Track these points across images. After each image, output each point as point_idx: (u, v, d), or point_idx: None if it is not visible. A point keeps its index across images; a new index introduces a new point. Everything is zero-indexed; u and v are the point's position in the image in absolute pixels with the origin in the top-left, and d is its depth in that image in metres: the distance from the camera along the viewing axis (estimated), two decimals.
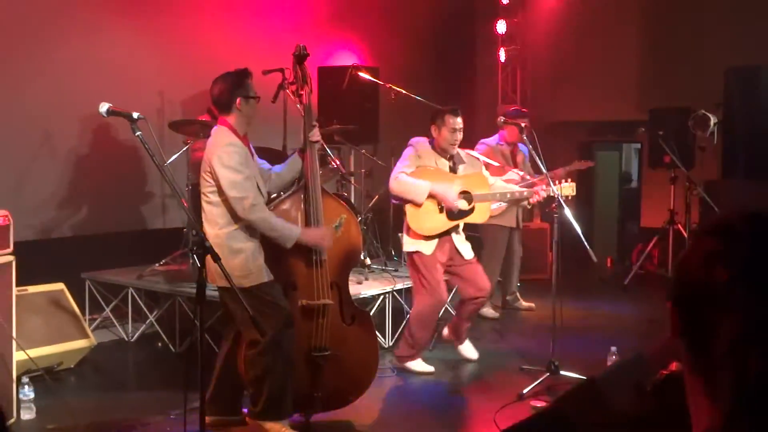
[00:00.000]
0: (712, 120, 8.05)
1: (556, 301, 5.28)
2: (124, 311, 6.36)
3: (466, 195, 5.41)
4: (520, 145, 6.87)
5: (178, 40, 7.26)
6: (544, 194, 5.50)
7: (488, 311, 7.11)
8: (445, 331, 6.01)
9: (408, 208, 5.36)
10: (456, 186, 5.37)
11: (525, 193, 5.61)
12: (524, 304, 7.50)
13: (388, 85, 6.94)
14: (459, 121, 5.39)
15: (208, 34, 7.49)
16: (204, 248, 3.06)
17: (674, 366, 2.81)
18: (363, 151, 7.20)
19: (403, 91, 6.87)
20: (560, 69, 10.33)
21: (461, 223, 5.50)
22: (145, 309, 6.23)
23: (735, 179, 8.21)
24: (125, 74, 6.76)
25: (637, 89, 9.80)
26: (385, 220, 7.40)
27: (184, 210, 3.40)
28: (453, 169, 5.51)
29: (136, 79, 6.82)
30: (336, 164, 6.38)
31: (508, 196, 5.62)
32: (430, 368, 5.61)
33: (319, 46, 8.16)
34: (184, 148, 6.23)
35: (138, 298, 6.22)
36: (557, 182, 5.48)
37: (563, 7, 10.15)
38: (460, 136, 5.42)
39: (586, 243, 5.26)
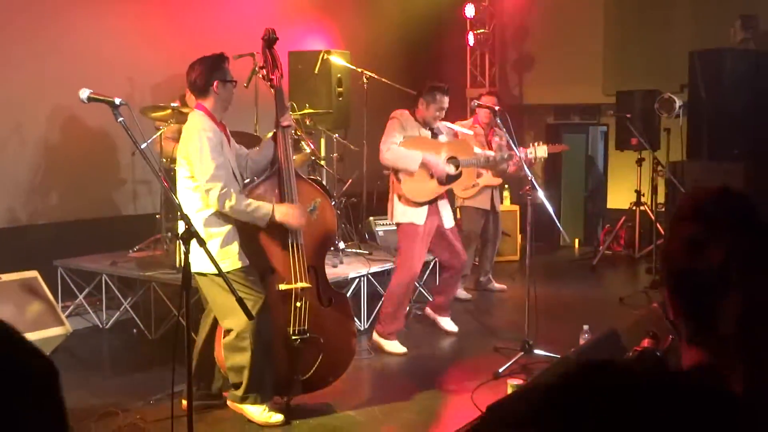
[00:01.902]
0: (677, 102, 8.19)
1: (530, 282, 5.37)
2: (97, 298, 6.33)
3: (452, 160, 5.71)
4: (496, 128, 6.98)
5: (147, 26, 7.20)
6: (522, 155, 5.76)
7: (461, 293, 7.20)
8: (427, 310, 6.27)
9: (402, 176, 5.59)
10: (443, 153, 5.68)
11: (505, 156, 5.96)
12: (497, 285, 7.61)
13: (360, 70, 6.96)
14: (446, 100, 5.68)
15: (177, 19, 7.44)
16: (189, 233, 3.06)
17: (646, 342, 2.90)
18: (336, 136, 7.21)
19: (375, 76, 6.90)
20: (528, 53, 10.43)
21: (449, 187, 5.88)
22: (119, 295, 6.20)
23: (700, 160, 8.37)
24: (94, 60, 6.70)
25: (603, 73, 9.93)
26: (358, 204, 7.43)
27: (169, 195, 3.40)
28: (435, 137, 5.80)
29: (106, 65, 6.75)
30: (310, 148, 6.40)
31: (490, 159, 5.98)
32: (403, 349, 5.72)
33: (289, 30, 8.14)
34: (156, 134, 6.20)
35: (112, 285, 6.19)
36: (531, 145, 5.90)
37: None
38: (443, 114, 5.74)
39: (559, 225, 5.37)
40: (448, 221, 5.84)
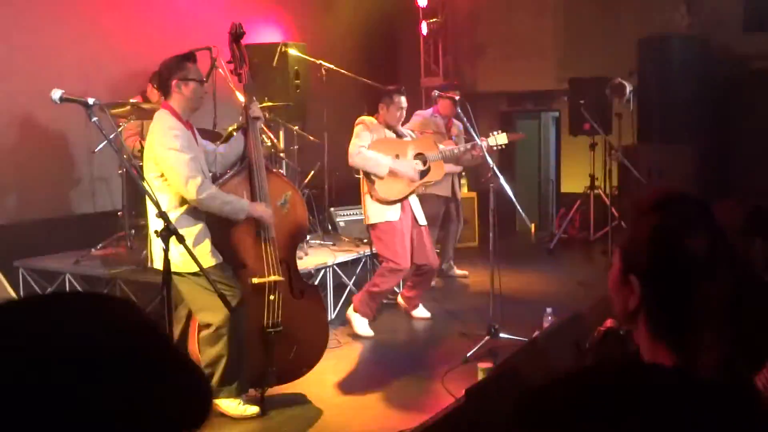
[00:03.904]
0: (628, 88, 8.39)
1: (494, 267, 5.48)
2: None
3: (420, 156, 5.90)
4: (455, 119, 7.09)
5: (101, 22, 7.11)
6: (484, 144, 5.88)
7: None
8: (399, 300, 6.38)
9: (374, 177, 5.75)
10: (410, 151, 5.89)
11: (468, 147, 6.15)
12: (458, 271, 7.73)
13: (318, 62, 6.98)
14: (404, 100, 5.88)
15: (132, 14, 7.36)
16: (169, 231, 3.08)
17: (609, 323, 3.02)
18: (296, 128, 7.22)
19: (333, 67, 6.93)
20: (481, 41, 10.55)
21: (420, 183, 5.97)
22: None
23: (650, 143, 8.61)
24: (48, 57, 6.60)
25: (555, 60, 10.09)
26: (320, 195, 7.47)
27: (148, 195, 3.41)
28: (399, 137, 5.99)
29: (60, 62, 6.66)
30: (272, 141, 6.42)
31: (455, 152, 6.18)
32: (371, 333, 5.88)
33: (245, 23, 8.10)
34: (116, 131, 6.12)
35: (75, 284, 6.13)
36: (491, 134, 6.02)
37: None
38: (404, 113, 5.94)
39: (520, 210, 5.50)
40: (421, 218, 6.00)
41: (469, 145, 6.17)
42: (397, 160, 5.80)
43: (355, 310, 5.90)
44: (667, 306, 1.41)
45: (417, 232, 5.96)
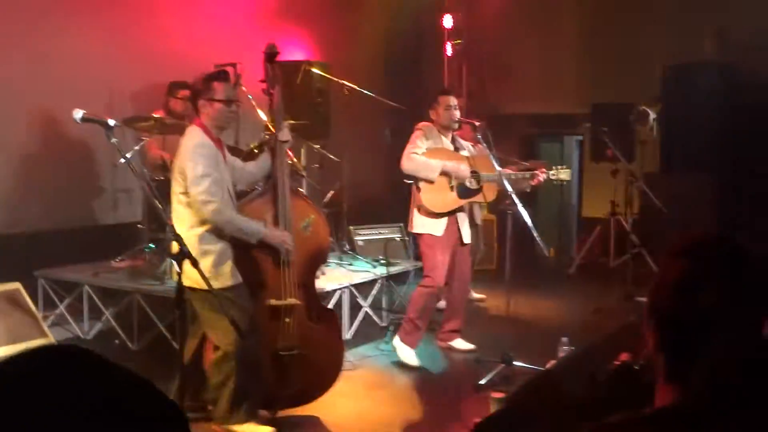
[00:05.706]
0: (652, 115, 8.35)
1: (509, 296, 5.45)
2: (78, 308, 6.30)
3: (474, 175, 5.74)
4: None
5: (126, 34, 7.18)
6: (543, 177, 5.81)
7: (441, 303, 7.26)
8: (440, 343, 6.20)
9: (422, 185, 5.64)
10: (465, 166, 5.71)
11: (528, 175, 5.87)
12: (475, 295, 7.69)
13: (341, 82, 7.00)
14: (452, 98, 5.77)
15: (157, 28, 7.43)
16: (183, 253, 3.09)
17: (624, 356, 2.97)
18: (317, 147, 7.24)
19: (357, 88, 6.95)
20: (505, 63, 10.54)
21: (469, 202, 5.88)
22: (101, 305, 6.17)
23: (673, 172, 8.54)
24: (73, 69, 6.67)
25: (579, 84, 10.07)
26: (339, 214, 7.48)
27: (162, 214, 3.43)
28: (456, 150, 5.85)
29: (84, 73, 6.72)
30: (292, 160, 6.44)
31: (512, 177, 5.82)
32: (416, 362, 5.73)
33: (267, 40, 8.16)
34: (139, 145, 6.18)
35: (93, 295, 6.16)
36: (554, 168, 5.89)
37: (508, 2, 10.34)
38: (456, 113, 5.77)
39: (539, 239, 5.44)
40: (467, 237, 5.86)
41: (528, 174, 5.91)
42: (449, 162, 5.64)
43: (401, 340, 5.78)
44: (674, 353, 1.45)
45: (459, 251, 5.84)
